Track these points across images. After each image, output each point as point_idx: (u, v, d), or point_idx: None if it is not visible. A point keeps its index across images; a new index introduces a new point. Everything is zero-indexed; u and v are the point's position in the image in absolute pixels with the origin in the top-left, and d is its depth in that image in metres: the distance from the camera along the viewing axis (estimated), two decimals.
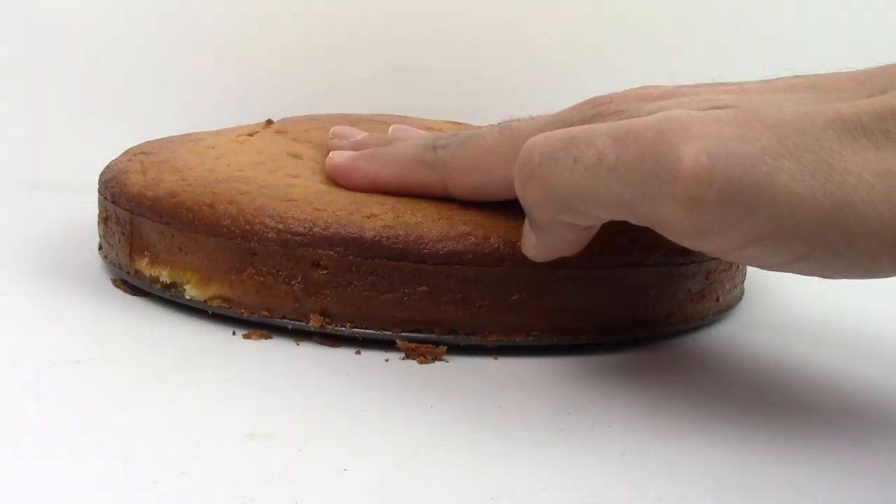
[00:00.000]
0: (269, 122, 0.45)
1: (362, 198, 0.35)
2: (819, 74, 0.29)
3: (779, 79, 0.30)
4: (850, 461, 0.27)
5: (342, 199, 0.35)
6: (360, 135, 0.39)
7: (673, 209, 0.26)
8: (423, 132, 0.40)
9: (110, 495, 0.23)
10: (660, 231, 0.27)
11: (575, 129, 0.28)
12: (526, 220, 0.31)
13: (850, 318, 0.40)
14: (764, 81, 0.30)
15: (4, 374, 0.30)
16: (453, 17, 0.61)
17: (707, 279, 0.37)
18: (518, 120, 0.34)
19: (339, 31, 0.60)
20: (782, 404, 0.31)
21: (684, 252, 0.36)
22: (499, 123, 0.34)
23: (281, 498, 0.23)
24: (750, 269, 0.42)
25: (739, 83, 0.30)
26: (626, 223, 0.35)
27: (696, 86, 0.30)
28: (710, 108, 0.27)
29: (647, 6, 0.63)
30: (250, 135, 0.42)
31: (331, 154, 0.37)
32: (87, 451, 0.25)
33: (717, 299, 0.38)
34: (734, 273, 0.39)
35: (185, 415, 0.27)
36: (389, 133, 0.40)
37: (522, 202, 0.30)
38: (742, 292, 0.41)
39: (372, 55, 0.60)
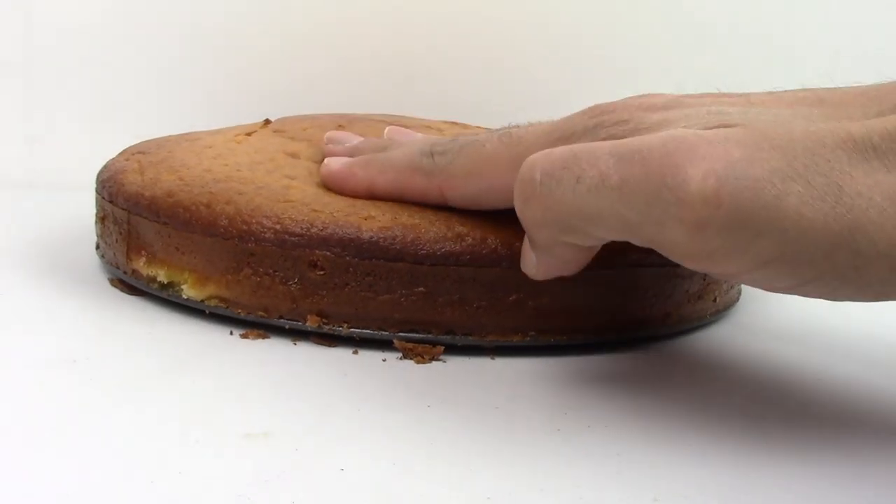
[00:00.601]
0: (267, 121, 0.45)
1: (359, 200, 0.35)
2: (827, 89, 0.29)
3: (785, 91, 0.29)
4: (845, 463, 0.27)
5: (339, 200, 0.35)
6: (355, 139, 0.39)
7: (679, 232, 0.25)
8: (419, 136, 0.39)
9: (107, 495, 0.23)
10: (665, 253, 0.27)
11: (577, 147, 0.27)
12: (525, 238, 0.31)
13: (846, 321, 0.40)
14: (769, 94, 0.29)
15: (1, 373, 0.30)
16: (451, 16, 0.61)
17: (704, 280, 0.37)
18: (517, 127, 0.33)
19: (337, 31, 0.60)
20: (778, 405, 0.31)
21: None
22: (498, 130, 0.33)
23: (278, 498, 0.23)
24: None
25: (745, 95, 0.29)
26: None
27: (701, 96, 0.30)
28: (717, 126, 0.26)
29: (648, 7, 0.63)
30: (248, 134, 0.42)
31: (326, 161, 0.37)
32: (83, 451, 0.25)
33: (715, 300, 0.38)
34: None
35: (182, 414, 0.27)
36: (385, 136, 0.40)
37: (522, 222, 0.29)
38: (739, 293, 0.41)
39: (370, 54, 0.60)
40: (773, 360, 0.36)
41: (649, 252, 0.35)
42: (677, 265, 0.35)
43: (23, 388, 0.29)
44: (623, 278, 0.35)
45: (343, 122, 0.44)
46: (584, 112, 0.31)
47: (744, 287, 0.42)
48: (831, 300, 0.26)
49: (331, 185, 0.36)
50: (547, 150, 0.28)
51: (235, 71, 0.60)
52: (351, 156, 0.37)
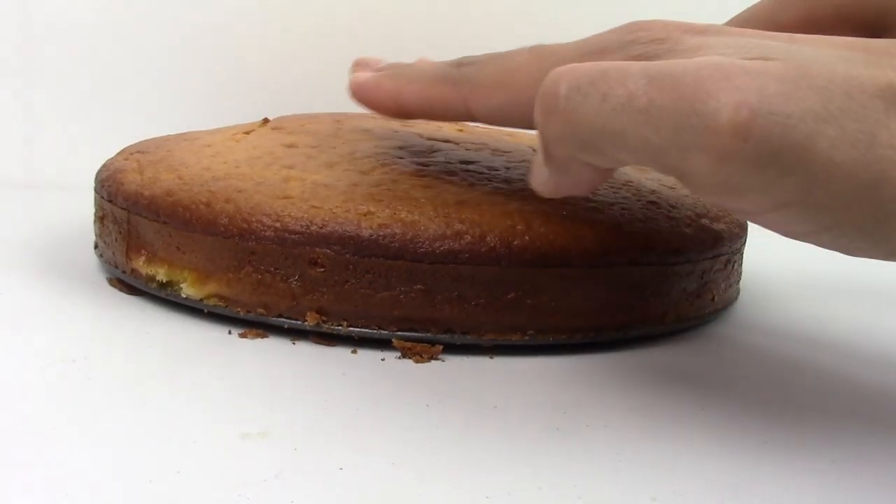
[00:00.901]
0: (266, 120, 0.45)
1: (357, 192, 0.35)
2: (875, 39, 0.27)
3: (832, 36, 0.27)
4: (844, 461, 0.27)
5: (338, 194, 0.35)
6: (383, 63, 0.37)
7: (703, 161, 0.24)
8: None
9: (105, 494, 0.23)
10: (684, 183, 0.26)
11: (606, 64, 0.26)
12: (538, 152, 0.29)
13: (845, 319, 0.40)
14: (816, 35, 0.27)
15: (0, 373, 0.30)
16: (448, 15, 0.61)
17: (702, 279, 0.37)
18: (553, 43, 0.31)
19: (336, 31, 0.60)
20: (777, 404, 0.31)
21: (679, 251, 0.36)
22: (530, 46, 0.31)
23: (276, 497, 0.23)
24: (746, 269, 0.42)
25: (790, 34, 0.28)
26: (621, 221, 0.35)
27: (743, 29, 0.28)
28: (757, 59, 0.25)
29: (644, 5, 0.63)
30: (247, 133, 0.42)
31: (354, 74, 0.35)
32: (81, 450, 0.25)
33: (713, 299, 0.38)
34: (729, 273, 0.39)
35: (181, 414, 0.28)
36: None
37: (541, 135, 0.28)
38: (738, 292, 0.41)
39: (373, 53, 0.60)
40: (773, 358, 0.36)
41: (647, 251, 0.35)
42: (674, 264, 0.36)
43: (21, 387, 0.29)
44: (621, 277, 0.35)
45: (342, 119, 0.44)
46: (620, 28, 0.29)
47: (743, 286, 0.42)
48: (845, 253, 0.26)
49: (358, 97, 0.35)
50: (574, 65, 0.27)
51: (234, 71, 0.60)
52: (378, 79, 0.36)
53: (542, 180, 0.30)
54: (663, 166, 0.26)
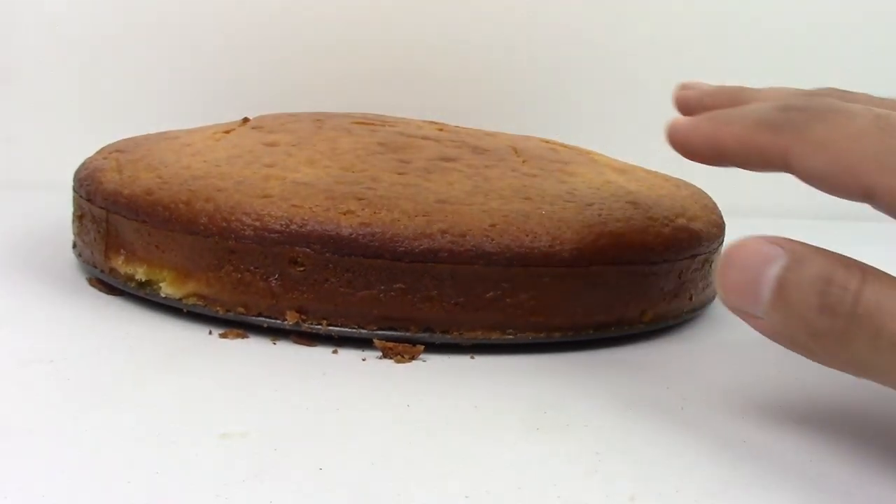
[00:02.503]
0: (246, 119, 0.45)
1: (337, 191, 0.35)
2: None
3: None
4: (821, 460, 0.27)
5: (318, 193, 0.35)
6: (707, 86, 0.35)
7: None
8: (788, 89, 0.33)
9: (83, 495, 0.23)
10: None
11: (883, 294, 0.25)
12: (766, 296, 0.27)
13: None
14: None
15: None
16: (431, 16, 0.61)
17: (680, 278, 0.37)
18: None
19: (317, 31, 0.60)
20: (755, 403, 0.31)
21: (657, 251, 0.36)
22: (879, 106, 0.28)
23: (256, 498, 0.23)
24: None
25: None
26: (600, 221, 0.35)
27: None
28: None
29: (641, 7, 0.63)
30: (227, 132, 0.42)
31: (672, 120, 0.32)
32: (60, 451, 0.25)
33: (690, 298, 0.38)
34: (707, 272, 0.39)
35: (160, 414, 0.27)
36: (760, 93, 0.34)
37: (801, 329, 0.26)
38: (715, 292, 0.41)
39: (351, 54, 0.60)
40: (750, 358, 0.36)
41: (626, 250, 0.35)
42: (653, 263, 0.36)
43: (0, 388, 0.29)
44: (599, 276, 0.35)
45: (323, 119, 0.44)
46: None
47: None
48: None
49: (674, 142, 0.32)
50: (854, 285, 0.25)
51: (214, 70, 0.60)
52: (702, 100, 0.34)
53: (756, 311, 0.27)
54: None
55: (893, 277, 0.26)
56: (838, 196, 0.28)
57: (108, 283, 0.38)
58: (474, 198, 0.35)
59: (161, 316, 0.35)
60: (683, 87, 0.35)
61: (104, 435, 0.26)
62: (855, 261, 0.26)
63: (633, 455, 0.27)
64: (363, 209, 0.34)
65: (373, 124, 0.43)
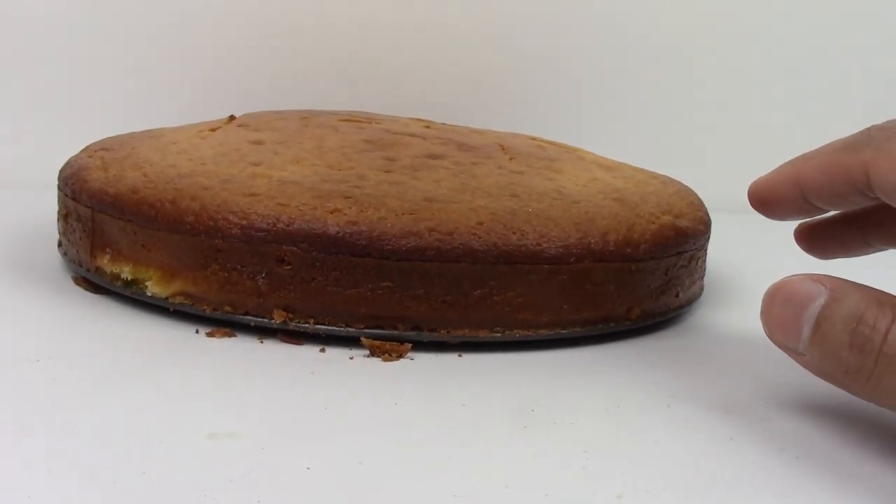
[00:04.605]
0: (232, 117, 0.45)
1: (324, 189, 0.35)
2: None
3: None
4: (807, 456, 0.28)
5: (305, 192, 0.35)
6: None
7: None
8: None
9: (69, 495, 0.23)
10: None
11: None
12: (804, 331, 0.27)
13: None
14: None
15: None
16: (419, 14, 0.61)
17: (666, 275, 0.37)
18: None
19: (304, 30, 0.60)
20: (743, 400, 0.32)
21: (644, 248, 0.36)
22: None
23: (243, 497, 0.23)
24: (709, 265, 0.42)
25: None
26: (587, 218, 0.35)
27: None
28: None
29: (633, 12, 0.63)
30: (213, 130, 0.42)
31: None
32: (46, 451, 0.25)
33: (677, 295, 0.39)
34: (693, 269, 0.39)
35: (147, 414, 0.27)
36: None
37: (841, 355, 0.27)
38: (701, 288, 0.42)
39: (338, 51, 0.60)
40: (737, 354, 0.36)
41: (612, 247, 0.35)
42: (639, 260, 0.36)
43: None
44: (587, 273, 0.35)
45: (309, 117, 0.44)
46: None
47: (706, 281, 0.42)
48: None
49: (758, 208, 0.33)
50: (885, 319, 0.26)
51: (200, 68, 0.59)
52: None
53: (797, 348, 0.28)
54: None
55: None
56: None
57: (94, 282, 0.37)
58: (461, 195, 0.35)
59: (147, 315, 0.35)
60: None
61: (90, 434, 0.26)
62: (892, 297, 0.27)
63: (621, 453, 0.27)
64: (350, 207, 0.34)
65: (359, 122, 0.43)
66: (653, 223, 0.37)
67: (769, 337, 0.28)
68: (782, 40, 0.64)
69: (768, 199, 0.32)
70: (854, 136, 0.30)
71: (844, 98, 0.65)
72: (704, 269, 0.41)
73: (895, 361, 0.25)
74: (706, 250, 0.41)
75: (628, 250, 0.36)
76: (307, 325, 0.34)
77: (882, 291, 0.27)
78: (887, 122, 0.30)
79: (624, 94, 0.62)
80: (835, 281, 0.27)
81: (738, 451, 0.27)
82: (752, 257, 0.49)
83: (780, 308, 0.28)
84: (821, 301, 0.27)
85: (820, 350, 0.27)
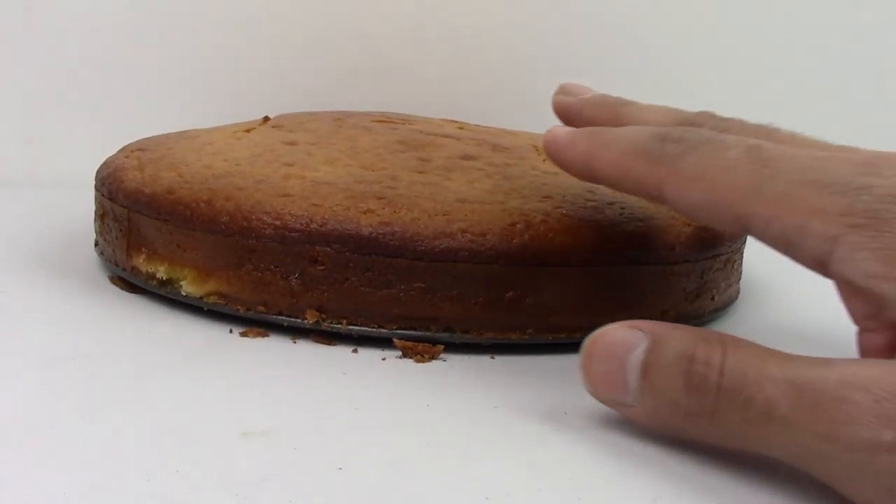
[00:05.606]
0: (266, 118, 0.45)
1: (357, 190, 0.35)
2: None
3: None
4: None
5: (338, 191, 0.35)
6: (590, 93, 0.35)
7: (842, 472, 0.23)
8: (666, 111, 0.34)
9: (104, 493, 0.23)
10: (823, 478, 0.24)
11: (750, 365, 0.25)
12: (632, 374, 0.27)
13: (845, 319, 0.40)
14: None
15: (1, 371, 0.30)
16: (452, 15, 0.61)
17: (702, 278, 0.37)
18: (778, 132, 0.30)
19: (337, 30, 0.60)
20: None
21: (679, 250, 0.36)
22: (753, 139, 0.28)
23: (275, 496, 0.23)
24: (746, 268, 0.42)
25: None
26: (621, 220, 0.35)
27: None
28: None
29: (643, 9, 0.63)
30: (247, 131, 0.42)
31: (552, 128, 0.32)
32: (81, 449, 0.25)
33: (713, 298, 0.38)
34: (729, 272, 0.39)
35: (180, 412, 0.28)
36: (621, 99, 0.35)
37: (673, 400, 0.26)
38: (738, 291, 0.41)
39: (372, 53, 0.60)
40: None
41: (647, 249, 0.35)
42: (674, 263, 0.36)
43: (22, 385, 0.29)
44: (621, 275, 0.35)
45: (342, 118, 0.44)
46: (854, 161, 0.26)
47: (742, 285, 0.42)
48: None
49: (550, 153, 0.32)
50: (728, 352, 0.25)
51: (235, 70, 0.60)
52: (582, 111, 0.34)
53: (626, 400, 0.27)
54: (805, 466, 0.24)
55: (753, 345, 0.26)
56: (715, 226, 0.29)
57: (130, 282, 0.38)
58: (495, 196, 0.35)
59: (182, 314, 0.36)
60: (563, 91, 0.35)
61: (125, 432, 0.26)
62: (715, 333, 0.26)
63: (655, 456, 0.27)
64: (383, 208, 0.34)
65: (393, 123, 0.43)
66: (688, 225, 0.37)
67: (593, 395, 0.27)
68: (782, 40, 0.63)
69: (562, 166, 0.32)
70: (651, 139, 0.29)
71: (845, 98, 0.64)
72: (741, 273, 0.41)
73: (736, 396, 0.24)
74: (742, 253, 0.40)
75: (663, 252, 0.35)
76: (339, 326, 0.34)
77: (700, 328, 0.26)
78: (682, 130, 0.29)
79: (660, 96, 0.61)
80: (650, 324, 0.27)
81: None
82: (789, 261, 0.49)
83: (600, 363, 0.27)
84: (642, 347, 0.26)
85: (653, 398, 0.26)
